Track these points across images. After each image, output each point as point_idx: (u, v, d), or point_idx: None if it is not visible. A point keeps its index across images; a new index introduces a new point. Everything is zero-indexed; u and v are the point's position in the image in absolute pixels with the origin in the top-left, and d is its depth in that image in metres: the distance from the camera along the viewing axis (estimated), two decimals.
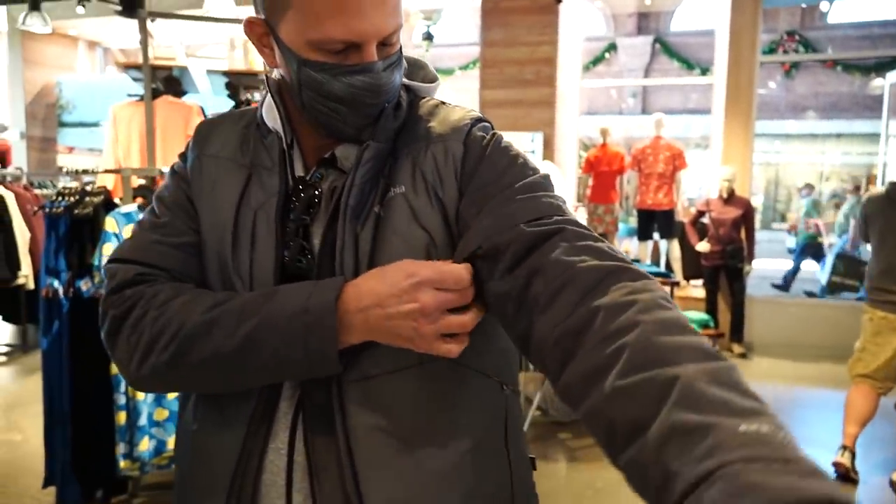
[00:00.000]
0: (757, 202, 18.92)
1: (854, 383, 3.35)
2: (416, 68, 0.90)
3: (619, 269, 0.67)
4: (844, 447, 3.29)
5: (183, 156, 0.91)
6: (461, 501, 0.78)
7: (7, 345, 5.72)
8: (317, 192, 0.81)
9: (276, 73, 0.87)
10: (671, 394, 0.52)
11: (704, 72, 13.66)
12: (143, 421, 2.70)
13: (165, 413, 2.76)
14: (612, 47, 16.62)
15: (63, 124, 8.85)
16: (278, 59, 0.80)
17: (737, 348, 5.73)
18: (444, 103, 0.88)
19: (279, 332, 0.72)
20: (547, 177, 0.81)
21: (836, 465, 3.26)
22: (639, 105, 18.06)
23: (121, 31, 9.05)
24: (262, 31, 0.80)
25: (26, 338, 5.55)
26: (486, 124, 0.87)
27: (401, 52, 0.81)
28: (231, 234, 0.81)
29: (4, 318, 5.87)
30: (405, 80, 0.85)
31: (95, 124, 8.71)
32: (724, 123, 6.30)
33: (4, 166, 8.27)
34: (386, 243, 0.77)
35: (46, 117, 8.96)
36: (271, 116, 0.85)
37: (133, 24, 6.20)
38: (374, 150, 0.79)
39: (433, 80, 0.90)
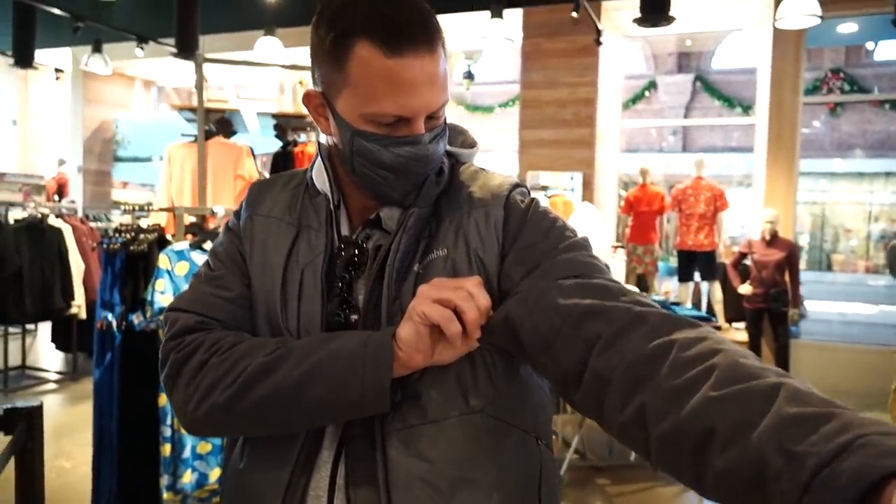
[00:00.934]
0: (803, 242, 18.52)
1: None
2: (456, 133, 0.95)
3: (677, 318, 0.70)
4: None
5: (237, 213, 0.98)
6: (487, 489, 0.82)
7: (58, 372, 5.91)
8: (362, 251, 0.86)
9: (326, 139, 0.93)
10: (778, 395, 0.52)
11: (746, 110, 13.57)
12: (186, 453, 2.77)
13: (208, 447, 2.82)
14: (653, 85, 16.65)
15: (118, 159, 9.24)
16: (332, 128, 0.86)
17: None
18: (483, 169, 0.94)
19: (340, 363, 0.77)
20: (586, 239, 0.86)
21: None
22: (679, 143, 17.96)
23: (175, 71, 9.47)
24: (318, 103, 0.87)
25: (76, 366, 5.73)
26: (524, 189, 0.92)
27: (445, 123, 0.87)
28: (280, 290, 0.86)
29: (57, 347, 6.09)
30: (449, 148, 0.91)
31: (148, 159, 9.07)
32: (767, 163, 6.25)
33: (62, 198, 8.66)
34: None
35: (102, 152, 9.37)
36: (320, 179, 0.91)
37: (187, 64, 6.49)
38: (417, 215, 0.85)
39: (472, 145, 0.96)
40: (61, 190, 8.98)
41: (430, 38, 0.79)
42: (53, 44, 8.44)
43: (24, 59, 7.03)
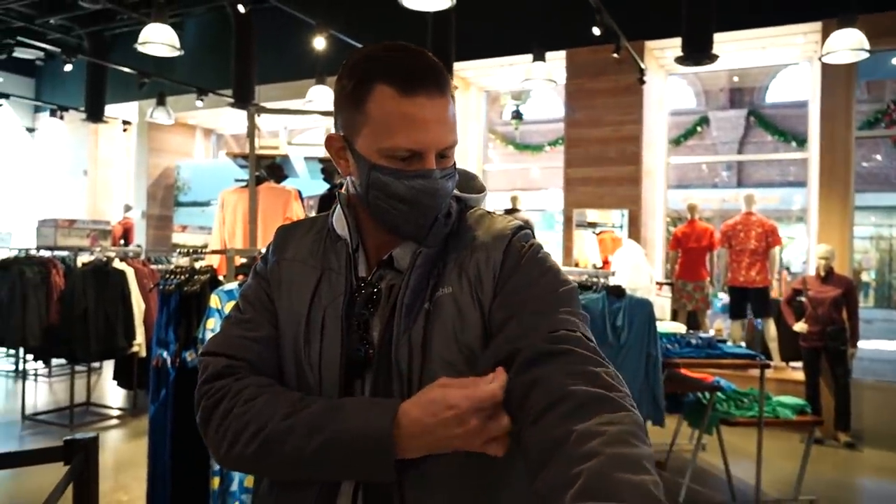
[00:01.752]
0: (868, 278, 17.77)
1: None
2: (467, 179, 1.03)
3: (603, 397, 0.75)
4: None
5: (264, 258, 1.07)
6: None
7: (120, 408, 6.15)
8: (376, 290, 0.93)
9: (345, 189, 1.02)
10: None
11: (802, 143, 13.27)
12: (234, 487, 2.86)
13: (254, 481, 2.91)
14: (705, 120, 16.47)
15: (179, 204, 9.67)
16: (352, 167, 0.95)
17: (843, 437, 5.35)
18: (490, 213, 1.00)
19: (344, 451, 0.83)
20: (575, 289, 0.91)
21: None
22: (734, 178, 17.63)
23: (233, 119, 9.92)
24: (339, 146, 0.96)
25: (136, 403, 5.95)
26: (527, 232, 0.98)
27: (455, 166, 0.95)
28: (304, 329, 0.94)
29: (119, 384, 6.34)
30: (456, 192, 0.98)
31: (207, 203, 9.47)
32: (820, 199, 6.11)
33: (128, 243, 9.11)
34: (436, 335, 0.88)
35: (165, 197, 9.83)
36: (340, 225, 0.99)
37: (243, 113, 6.81)
38: (425, 256, 0.92)
39: (481, 189, 1.03)
40: (127, 234, 9.45)
41: (440, 85, 0.88)
42: (121, 98, 9.02)
43: (95, 114, 7.54)
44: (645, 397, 3.69)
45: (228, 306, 2.92)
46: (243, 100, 6.15)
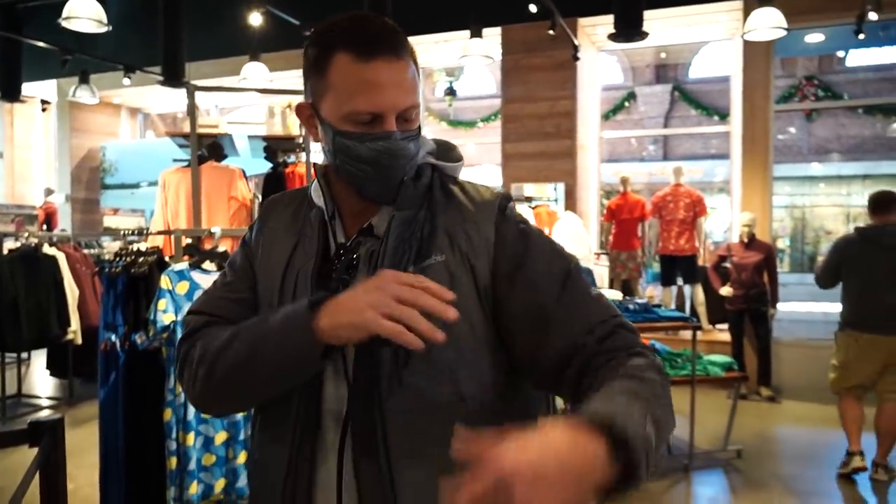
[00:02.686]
0: (784, 245, 18.81)
1: (842, 396, 3.95)
2: (445, 149, 1.07)
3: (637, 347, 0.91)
4: (859, 452, 3.84)
5: (251, 227, 1.12)
6: None
7: (53, 398, 5.96)
8: (355, 256, 0.98)
9: (322, 160, 1.07)
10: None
11: (724, 118, 13.86)
12: (192, 466, 2.87)
13: (213, 458, 2.92)
14: (632, 96, 16.95)
15: (105, 186, 9.32)
16: (320, 133, 1.00)
17: (765, 391, 5.74)
18: (471, 182, 1.06)
19: (271, 338, 0.89)
20: (577, 261, 1.00)
21: (857, 469, 3.81)
22: (660, 151, 18.26)
23: (161, 98, 9.59)
24: (308, 113, 1.00)
25: (73, 392, 5.78)
26: (512, 202, 1.04)
27: (419, 131, 0.99)
28: (278, 291, 1.00)
29: (52, 373, 6.14)
30: (432, 160, 1.02)
31: (136, 186, 9.16)
32: (742, 169, 6.46)
33: (51, 228, 8.72)
34: None
35: (90, 180, 9.45)
36: (317, 194, 1.04)
37: (171, 91, 6.61)
38: (399, 218, 0.95)
39: (459, 159, 1.07)
40: (50, 219, 9.03)
41: (397, 49, 0.93)
42: (39, 76, 8.56)
43: (10, 93, 7.13)
44: None
45: (179, 286, 2.90)
46: (173, 77, 5.95)
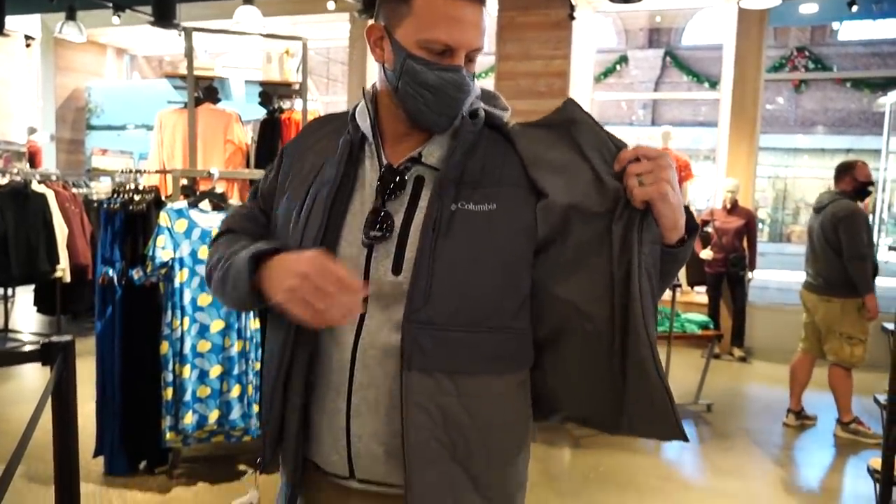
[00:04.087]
0: (764, 215, 19.06)
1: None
2: (492, 98, 1.12)
3: None
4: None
5: (292, 140, 1.20)
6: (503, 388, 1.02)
7: (40, 334, 6.02)
8: (402, 179, 1.02)
9: (371, 86, 1.11)
10: None
11: (714, 85, 13.89)
12: (187, 397, 2.97)
13: (207, 390, 3.03)
14: (624, 59, 16.89)
15: (91, 127, 9.19)
16: (387, 55, 1.03)
17: (737, 352, 5.96)
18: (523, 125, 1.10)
19: (232, 274, 1.05)
20: None
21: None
22: (649, 116, 18.29)
23: (148, 40, 9.40)
24: (379, 35, 1.04)
25: (60, 328, 5.84)
26: None
27: (475, 75, 1.05)
28: (297, 210, 1.06)
29: (39, 310, 6.18)
30: (483, 105, 1.07)
31: (122, 128, 9.05)
32: (729, 137, 6.55)
33: (33, 166, 8.63)
34: (453, 230, 0.97)
35: (75, 120, 9.30)
36: (362, 117, 1.08)
37: (160, 33, 6.52)
38: (460, 153, 1.01)
39: (505, 108, 1.12)
40: (33, 158, 8.92)
41: None
42: (22, 10, 8.35)
43: None
44: None
45: (178, 224, 2.96)
46: (164, 18, 5.87)
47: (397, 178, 1.03)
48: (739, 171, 6.36)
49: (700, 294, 6.56)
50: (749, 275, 6.02)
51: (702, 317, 4.71)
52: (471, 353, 0.98)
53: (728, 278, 5.97)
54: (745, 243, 5.92)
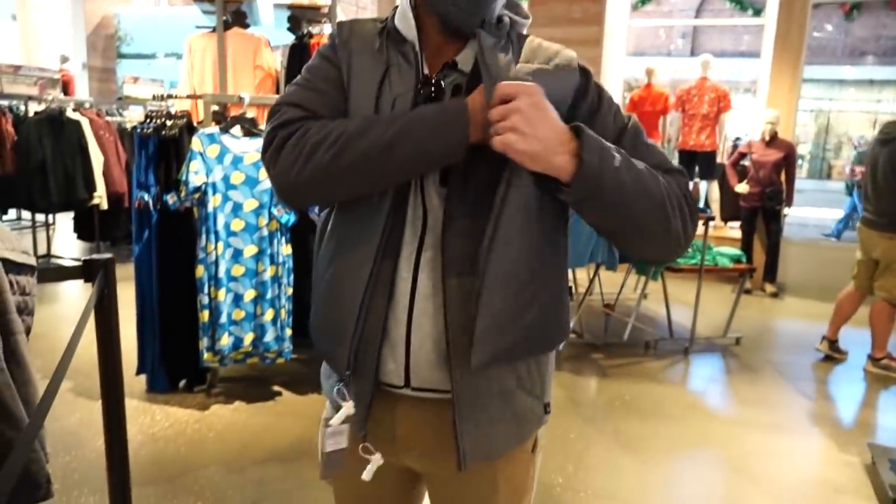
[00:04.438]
0: (804, 150, 18.49)
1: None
2: (514, 5, 1.09)
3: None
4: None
5: (326, 46, 1.11)
6: (537, 288, 1.00)
7: (77, 259, 6.19)
8: (440, 88, 1.00)
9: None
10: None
11: (758, 12, 13.27)
12: (223, 319, 3.06)
13: (242, 313, 3.12)
14: None
15: (121, 56, 9.19)
16: None
17: (769, 288, 5.90)
18: (542, 40, 1.08)
19: (424, 125, 0.94)
20: (636, 120, 1.07)
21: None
22: (688, 46, 17.62)
23: None
24: None
25: (99, 253, 6.00)
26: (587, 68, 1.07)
27: None
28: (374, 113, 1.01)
29: (79, 237, 6.36)
30: (507, 12, 1.05)
31: (152, 56, 9.03)
32: (772, 66, 6.29)
33: (67, 96, 8.69)
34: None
35: (105, 48, 9.31)
36: (404, 24, 1.05)
37: None
38: (488, 47, 0.98)
39: (527, 17, 1.10)
40: (66, 88, 8.97)
41: None
42: None
43: None
44: (601, 245, 4.00)
45: (210, 149, 2.98)
46: None
47: (431, 89, 1.00)
48: (781, 103, 6.13)
49: (734, 229, 6.46)
50: (785, 210, 5.89)
51: (734, 250, 4.65)
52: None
53: (763, 213, 5.86)
54: (782, 177, 5.77)
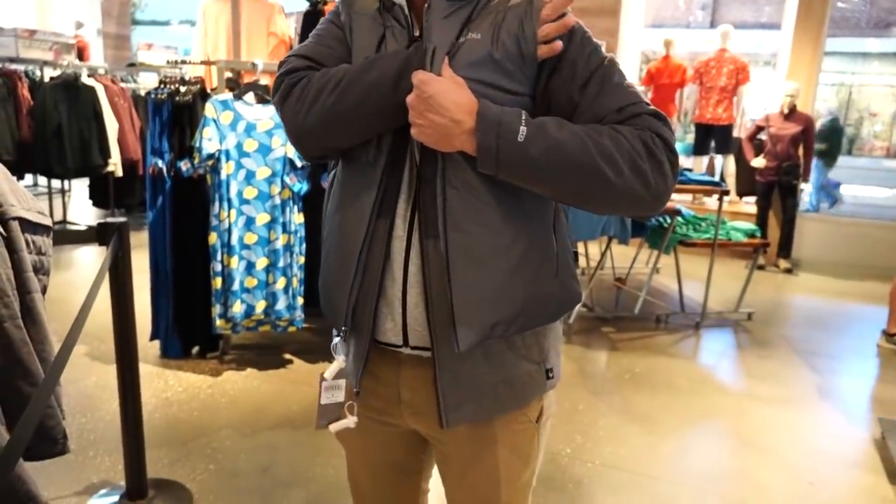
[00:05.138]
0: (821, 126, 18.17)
1: None
2: None
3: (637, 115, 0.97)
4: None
5: (334, 11, 1.12)
6: (517, 260, 1.00)
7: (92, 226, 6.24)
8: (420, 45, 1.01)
9: None
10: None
11: None
12: (235, 287, 3.09)
13: (254, 281, 3.14)
14: None
15: (136, 22, 9.15)
16: None
17: (783, 263, 5.86)
18: None
19: (389, 64, 0.98)
20: (614, 59, 1.02)
21: None
22: (708, 18, 17.28)
23: None
24: None
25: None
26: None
27: None
28: None
29: (94, 203, 6.41)
30: None
31: (166, 23, 9.00)
32: (793, 38, 6.17)
33: (82, 62, 8.69)
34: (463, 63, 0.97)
35: (120, 15, 9.27)
36: None
37: None
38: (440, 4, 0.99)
39: None
40: (81, 54, 8.97)
41: None
42: None
43: None
44: (613, 219, 3.98)
45: (224, 116, 2.98)
46: None
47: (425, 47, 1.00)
48: (801, 76, 6.03)
49: (749, 204, 6.40)
50: (802, 185, 5.82)
51: (749, 225, 4.61)
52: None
53: (780, 187, 5.79)
54: (800, 151, 5.68)
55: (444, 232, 0.97)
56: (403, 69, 0.97)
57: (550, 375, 1.11)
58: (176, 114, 3.15)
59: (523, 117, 0.92)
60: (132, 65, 7.31)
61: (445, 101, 0.92)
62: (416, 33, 1.03)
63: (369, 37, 1.06)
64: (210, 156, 2.96)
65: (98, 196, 6.28)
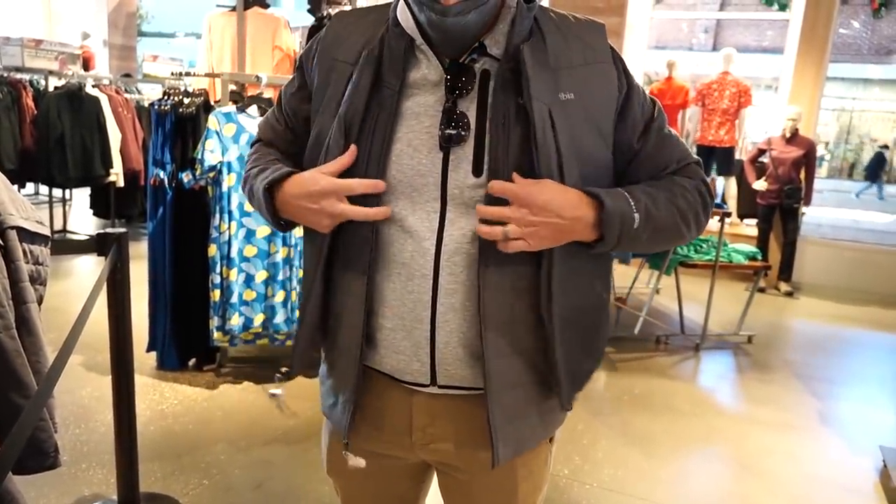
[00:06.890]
0: (823, 150, 18.25)
1: None
2: None
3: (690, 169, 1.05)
4: None
5: (306, 52, 1.07)
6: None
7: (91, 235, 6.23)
8: (469, 73, 0.93)
9: None
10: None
11: (783, 7, 13.06)
12: (234, 299, 3.07)
13: (253, 294, 3.12)
14: None
15: (142, 34, 9.20)
16: None
17: (784, 286, 5.84)
18: (565, 14, 1.01)
19: (257, 197, 1.04)
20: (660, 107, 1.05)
21: None
22: (710, 41, 17.42)
23: None
24: None
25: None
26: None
27: None
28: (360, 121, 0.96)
29: (95, 213, 6.40)
30: None
31: (172, 35, 9.05)
32: (796, 63, 6.19)
33: (87, 72, 8.72)
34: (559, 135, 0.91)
35: (126, 27, 9.32)
36: (404, 16, 0.97)
37: None
38: (531, 44, 0.92)
39: None
40: (86, 65, 9.00)
41: None
42: None
43: None
44: None
45: (226, 128, 2.98)
46: None
47: (465, 74, 0.94)
48: (803, 101, 6.04)
49: (750, 226, 6.39)
50: (803, 208, 5.82)
51: (750, 247, 4.60)
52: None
53: (781, 211, 5.79)
54: (801, 175, 5.69)
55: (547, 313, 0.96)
56: (268, 203, 1.01)
57: (569, 407, 1.08)
58: (179, 125, 3.15)
59: (632, 203, 0.93)
60: (127, 75, 7.34)
61: (556, 197, 0.89)
62: (435, 62, 0.96)
63: (336, 84, 1.00)
64: (212, 167, 2.96)
65: (99, 206, 6.28)
